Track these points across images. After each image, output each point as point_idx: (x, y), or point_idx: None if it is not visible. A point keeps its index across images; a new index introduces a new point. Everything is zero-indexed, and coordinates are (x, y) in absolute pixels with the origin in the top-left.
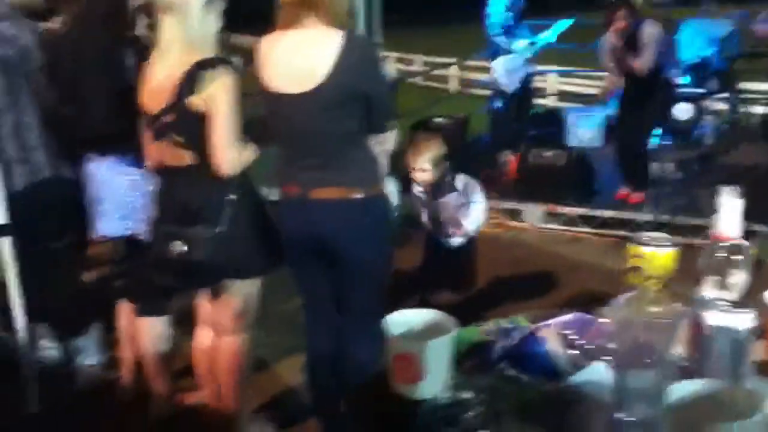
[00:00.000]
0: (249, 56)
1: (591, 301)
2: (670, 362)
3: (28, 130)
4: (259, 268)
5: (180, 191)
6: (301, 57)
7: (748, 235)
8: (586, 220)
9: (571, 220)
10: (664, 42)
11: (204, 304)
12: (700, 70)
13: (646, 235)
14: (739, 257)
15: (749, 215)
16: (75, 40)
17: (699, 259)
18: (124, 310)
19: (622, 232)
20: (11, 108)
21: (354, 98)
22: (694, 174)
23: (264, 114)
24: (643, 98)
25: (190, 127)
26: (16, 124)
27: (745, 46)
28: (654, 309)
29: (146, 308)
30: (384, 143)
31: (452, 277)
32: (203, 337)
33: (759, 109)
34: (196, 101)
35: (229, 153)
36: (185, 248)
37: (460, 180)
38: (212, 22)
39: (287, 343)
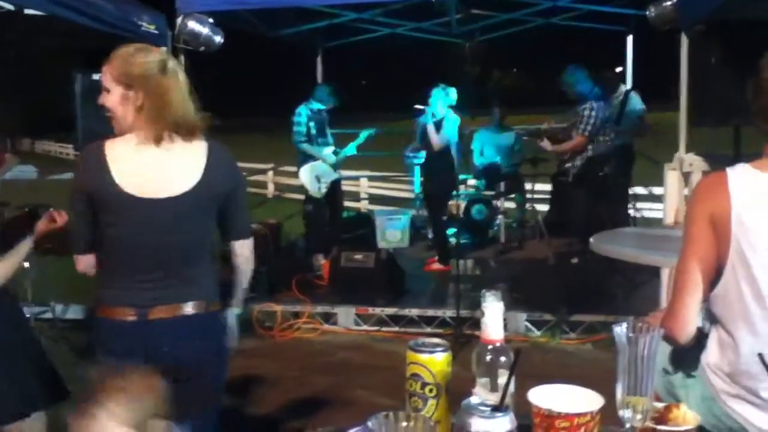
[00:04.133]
0: (47, 164)
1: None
2: None
3: None
4: (41, 399)
5: None
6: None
7: (538, 324)
8: (395, 320)
9: (381, 321)
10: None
11: None
12: (490, 174)
13: (421, 341)
14: (503, 359)
15: (537, 305)
16: None
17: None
18: None
19: (428, 329)
20: None
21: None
22: (491, 269)
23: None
24: None
25: None
26: None
27: (528, 153)
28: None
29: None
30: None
31: None
32: None
33: (543, 207)
34: None
35: None
36: None
37: None
38: None
39: None
